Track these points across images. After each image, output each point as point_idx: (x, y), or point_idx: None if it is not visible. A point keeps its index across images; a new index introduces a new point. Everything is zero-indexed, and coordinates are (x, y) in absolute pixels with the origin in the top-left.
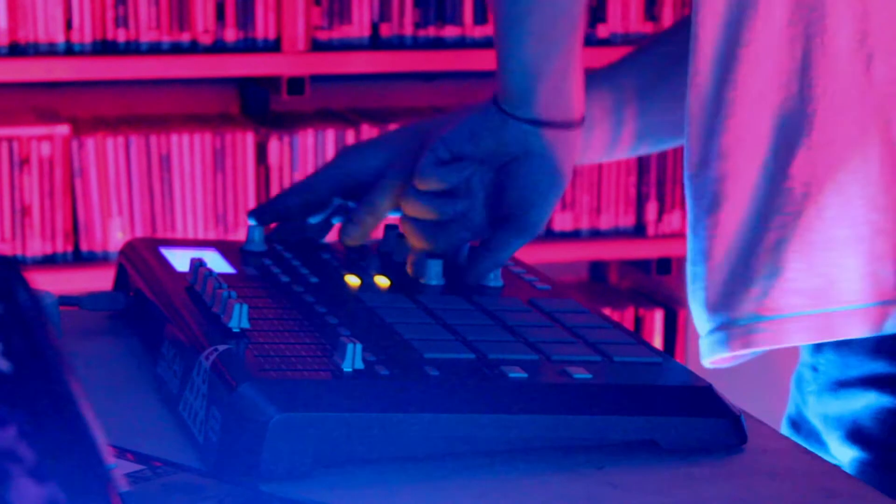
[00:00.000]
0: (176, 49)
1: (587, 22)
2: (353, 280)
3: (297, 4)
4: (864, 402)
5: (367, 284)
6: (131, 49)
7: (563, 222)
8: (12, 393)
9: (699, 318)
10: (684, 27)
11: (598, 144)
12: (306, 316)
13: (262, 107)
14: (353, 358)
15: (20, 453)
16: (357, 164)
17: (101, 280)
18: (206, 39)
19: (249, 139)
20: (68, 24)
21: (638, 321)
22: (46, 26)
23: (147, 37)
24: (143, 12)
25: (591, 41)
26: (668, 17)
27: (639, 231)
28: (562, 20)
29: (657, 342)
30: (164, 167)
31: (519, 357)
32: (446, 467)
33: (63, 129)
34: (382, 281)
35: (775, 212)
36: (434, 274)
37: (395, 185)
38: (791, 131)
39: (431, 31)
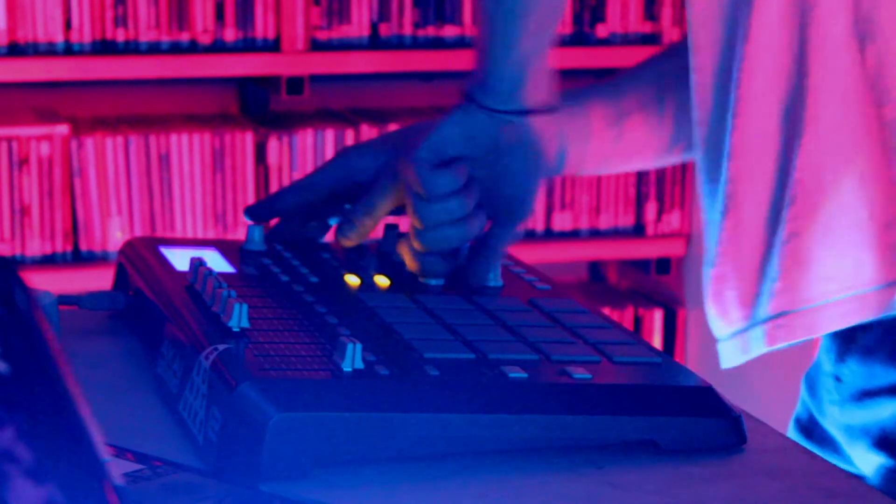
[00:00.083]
0: (175, 49)
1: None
2: (352, 280)
3: (297, 4)
4: (892, 411)
5: (367, 284)
6: (130, 49)
7: (562, 222)
8: (10, 394)
9: (722, 320)
10: (685, 47)
11: (596, 155)
12: (306, 315)
13: (261, 106)
14: (352, 358)
15: (18, 454)
16: (354, 164)
17: (100, 280)
18: (205, 39)
19: (249, 139)
20: (67, 24)
21: (637, 321)
22: (46, 26)
23: (146, 36)
24: (142, 12)
25: (590, 41)
26: (667, 17)
27: (638, 231)
28: (555, 14)
29: (656, 342)
30: (163, 167)
31: (519, 357)
32: (446, 467)
33: (62, 129)
34: (382, 281)
35: (789, 204)
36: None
37: (392, 186)
38: (795, 123)
39: (431, 31)
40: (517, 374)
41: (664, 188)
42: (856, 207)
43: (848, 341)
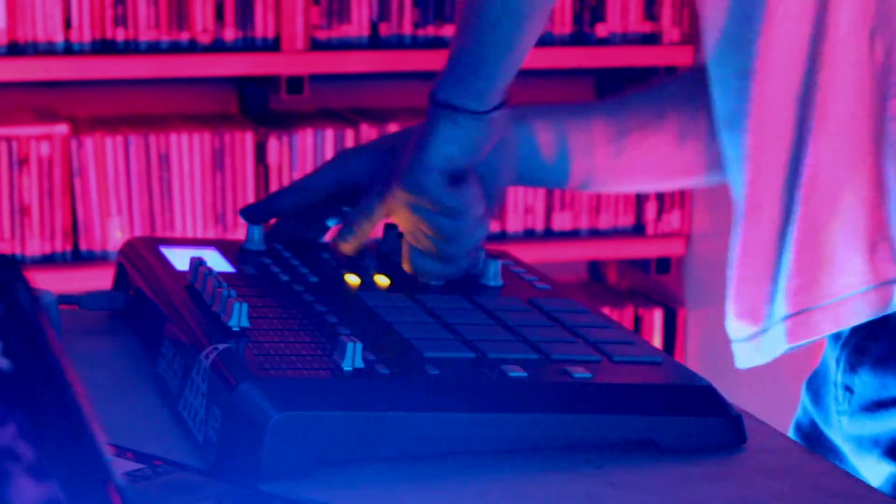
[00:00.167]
0: (175, 48)
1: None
2: (352, 279)
3: (296, 4)
4: None
5: (367, 283)
6: (130, 48)
7: (562, 222)
8: (12, 391)
9: (741, 321)
10: (692, 74)
11: (600, 170)
12: (306, 315)
13: (261, 106)
14: (352, 357)
15: (20, 452)
16: (352, 167)
17: (100, 279)
18: (205, 39)
19: (248, 138)
20: (67, 24)
21: (637, 321)
22: (45, 26)
23: (146, 36)
24: (142, 12)
25: (590, 41)
26: (667, 17)
27: (638, 230)
28: (547, 12)
29: (656, 342)
30: (163, 166)
31: (519, 356)
32: (446, 467)
33: (62, 129)
34: (382, 280)
35: (802, 201)
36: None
37: (389, 190)
38: (807, 120)
39: (430, 31)
40: (517, 373)
41: None
42: (868, 200)
43: (860, 352)
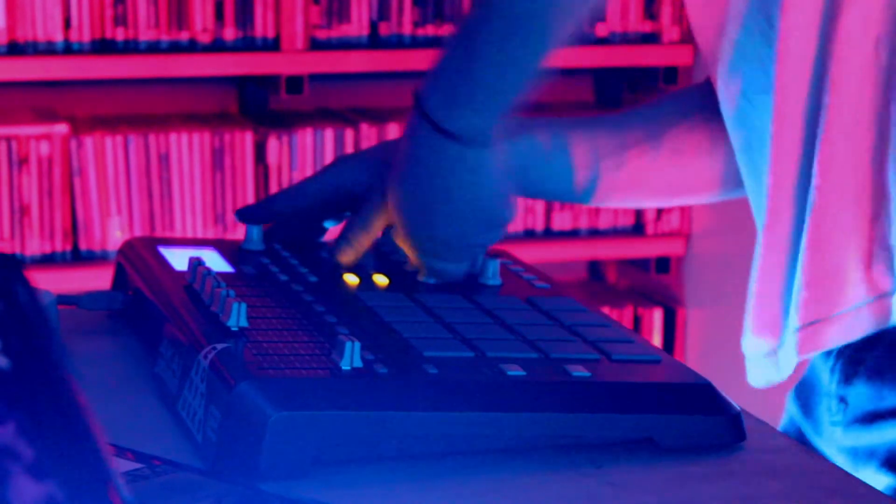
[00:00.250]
0: (175, 48)
1: None
2: (351, 279)
3: (296, 3)
4: None
5: (366, 283)
6: (130, 48)
7: (561, 221)
8: (11, 390)
9: (758, 338)
10: (690, 92)
11: (604, 184)
12: (305, 315)
13: (260, 106)
14: (351, 356)
15: (19, 451)
16: (349, 175)
17: (99, 279)
18: (204, 38)
19: (248, 138)
20: (67, 23)
21: (637, 320)
22: (45, 25)
23: (146, 36)
24: (141, 11)
25: (589, 40)
26: (666, 16)
27: (637, 230)
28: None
29: (656, 341)
30: (162, 166)
31: (518, 355)
32: (445, 466)
33: (62, 129)
34: (381, 279)
35: (811, 214)
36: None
37: (383, 205)
38: (816, 130)
39: (430, 30)
40: (516, 372)
41: None
42: (870, 211)
43: (855, 363)
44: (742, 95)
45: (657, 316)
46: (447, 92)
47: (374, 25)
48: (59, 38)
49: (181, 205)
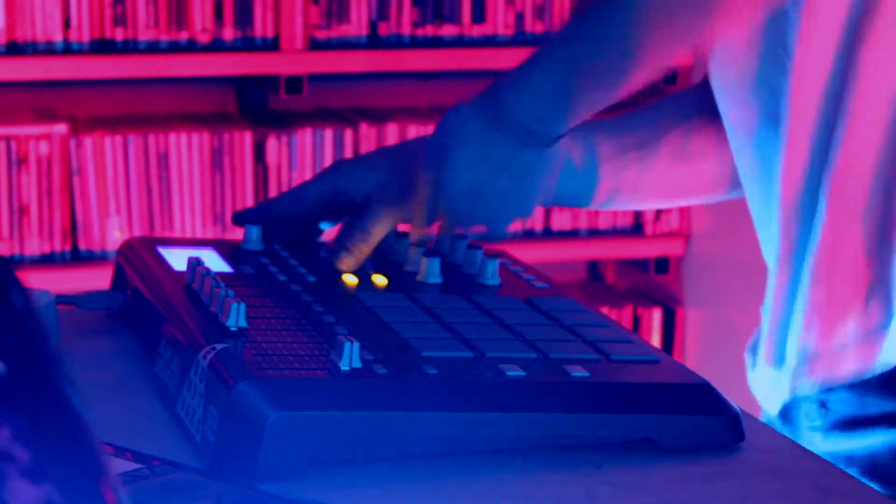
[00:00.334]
0: (174, 48)
1: None
2: (350, 279)
3: (296, 3)
4: (884, 440)
5: (365, 283)
6: (129, 48)
7: (561, 221)
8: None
9: (771, 366)
10: (687, 94)
11: (604, 186)
12: (304, 315)
13: (260, 106)
14: (350, 357)
15: (15, 454)
16: (348, 181)
17: (98, 279)
18: (204, 38)
19: (247, 138)
20: (66, 23)
21: (636, 320)
22: (44, 25)
23: (145, 36)
24: (141, 11)
25: None
26: None
27: (637, 230)
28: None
29: (655, 341)
30: (162, 166)
31: (517, 355)
32: (445, 467)
33: (61, 128)
34: (380, 280)
35: (816, 249)
36: (431, 272)
37: (389, 212)
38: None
39: (429, 31)
40: (515, 372)
41: None
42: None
43: None
44: (752, 123)
45: (656, 316)
46: (537, 96)
47: (373, 25)
48: (58, 37)
49: (180, 205)
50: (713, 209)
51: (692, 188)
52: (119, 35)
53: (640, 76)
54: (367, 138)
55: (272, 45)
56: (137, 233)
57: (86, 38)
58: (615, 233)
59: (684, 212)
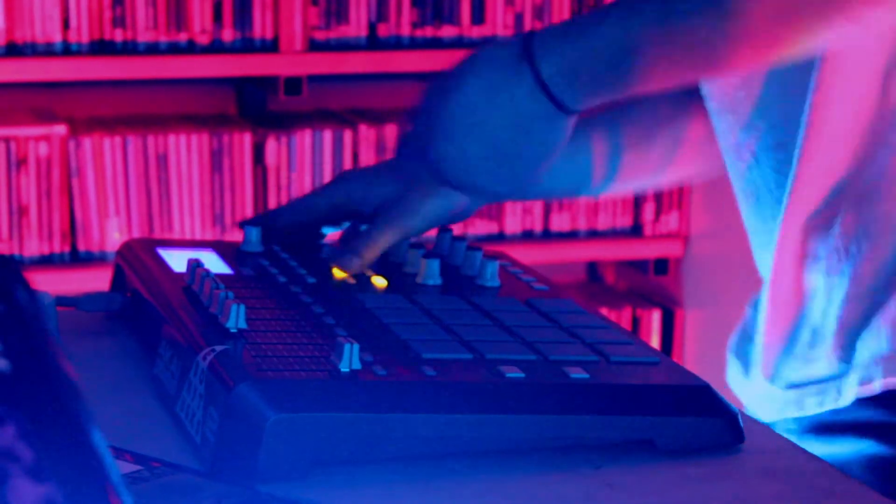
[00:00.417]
0: (173, 49)
1: None
2: (350, 280)
3: (295, 4)
4: (855, 448)
5: (365, 285)
6: (128, 49)
7: (560, 222)
8: (11, 392)
9: (765, 380)
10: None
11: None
12: (303, 316)
13: (259, 107)
14: (350, 358)
15: (18, 453)
16: (355, 191)
17: (98, 280)
18: (203, 39)
19: (247, 139)
20: (65, 24)
21: (635, 321)
22: (43, 26)
23: (144, 37)
24: (140, 12)
25: None
26: None
27: (636, 231)
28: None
29: (654, 343)
30: (161, 167)
31: (516, 357)
32: (444, 467)
33: (60, 129)
34: (380, 281)
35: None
36: (431, 273)
37: (399, 226)
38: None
39: (429, 31)
40: (515, 374)
41: (662, 189)
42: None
43: None
44: (756, 150)
45: (655, 317)
46: (575, 66)
47: (372, 26)
48: (57, 38)
49: (179, 206)
50: (712, 211)
51: (693, 171)
52: (118, 36)
53: (746, 54)
54: (367, 139)
55: (271, 47)
56: (137, 234)
57: (85, 39)
58: (614, 234)
59: (684, 213)
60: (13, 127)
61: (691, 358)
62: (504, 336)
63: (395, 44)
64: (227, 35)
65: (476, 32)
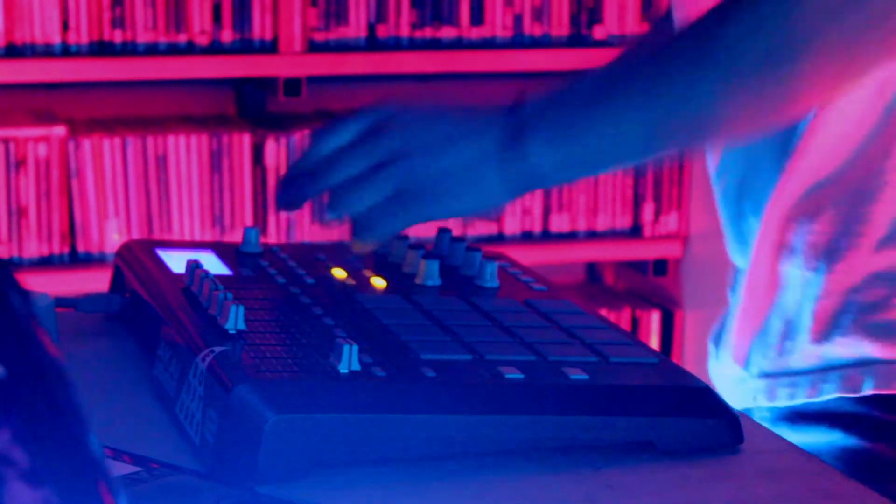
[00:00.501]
0: (172, 50)
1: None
2: (349, 281)
3: (294, 5)
4: (828, 439)
5: (364, 285)
6: (128, 50)
7: (559, 223)
8: (7, 396)
9: (736, 364)
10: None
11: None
12: (302, 317)
13: (258, 108)
14: (349, 359)
15: (14, 457)
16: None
17: (97, 281)
18: (202, 40)
19: (246, 140)
20: (65, 25)
21: (634, 322)
22: (43, 27)
23: (144, 38)
24: (139, 13)
25: (588, 43)
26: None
27: (635, 232)
28: None
29: (654, 343)
30: (160, 168)
31: (516, 358)
32: (443, 468)
33: (60, 130)
34: (378, 282)
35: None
36: (430, 274)
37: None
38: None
39: (428, 33)
40: (514, 374)
41: (661, 189)
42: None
43: None
44: (740, 147)
45: (655, 318)
46: (571, 161)
47: (371, 28)
48: (56, 39)
49: (179, 207)
50: (712, 211)
51: None
52: (118, 37)
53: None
54: None
55: (271, 48)
56: (136, 235)
57: (84, 40)
58: (614, 235)
59: (683, 214)
60: (12, 128)
61: (691, 359)
62: (503, 337)
63: (395, 45)
64: (227, 36)
65: (475, 34)
